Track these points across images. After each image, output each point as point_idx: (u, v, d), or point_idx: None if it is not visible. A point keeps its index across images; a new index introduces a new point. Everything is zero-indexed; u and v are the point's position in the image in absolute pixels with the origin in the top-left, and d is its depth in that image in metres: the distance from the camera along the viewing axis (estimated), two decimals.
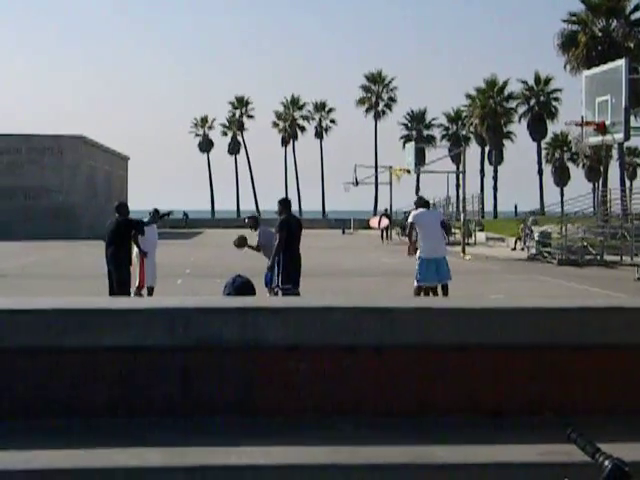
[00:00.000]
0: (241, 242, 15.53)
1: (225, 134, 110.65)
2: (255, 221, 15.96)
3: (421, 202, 15.77)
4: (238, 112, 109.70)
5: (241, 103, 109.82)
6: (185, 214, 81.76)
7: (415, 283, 14.89)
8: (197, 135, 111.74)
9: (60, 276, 24.57)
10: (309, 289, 15.00)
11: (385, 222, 53.29)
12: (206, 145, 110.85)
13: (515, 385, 4.06)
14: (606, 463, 2.24)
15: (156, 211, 16.64)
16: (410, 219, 15.37)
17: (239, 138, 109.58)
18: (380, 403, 4.04)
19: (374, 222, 59.04)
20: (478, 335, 4.06)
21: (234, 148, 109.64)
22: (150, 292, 16.51)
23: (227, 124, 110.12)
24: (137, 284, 16.15)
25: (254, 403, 3.98)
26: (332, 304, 4.23)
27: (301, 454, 3.48)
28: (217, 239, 50.80)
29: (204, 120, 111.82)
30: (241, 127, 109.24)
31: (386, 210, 58.72)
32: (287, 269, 14.41)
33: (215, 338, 3.95)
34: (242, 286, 5.09)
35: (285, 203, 15.06)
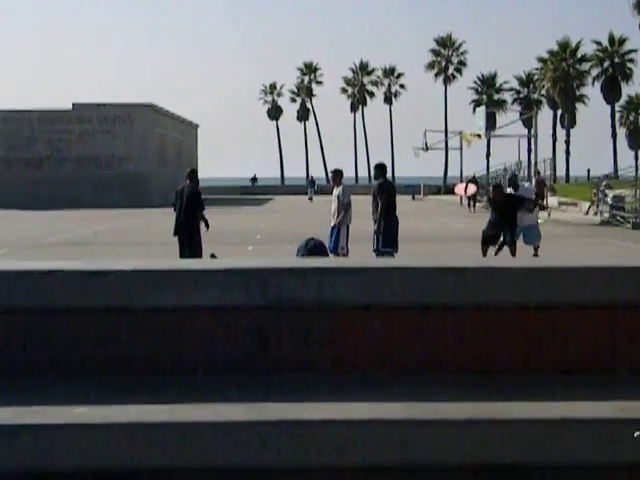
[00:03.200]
0: None
1: (294, 101, 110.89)
2: (340, 176, 15.84)
3: (514, 180, 18.49)
4: (307, 78, 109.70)
5: (310, 69, 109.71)
6: (254, 178, 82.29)
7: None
8: (266, 102, 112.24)
9: (134, 243, 25.08)
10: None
11: (472, 189, 47.86)
12: (275, 112, 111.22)
13: (585, 343, 4.09)
14: None
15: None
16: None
17: (308, 105, 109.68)
18: (454, 361, 4.11)
19: (460, 189, 53.14)
20: (547, 294, 4.10)
21: (303, 115, 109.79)
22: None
23: (296, 90, 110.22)
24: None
25: (333, 361, 4.09)
26: (406, 264, 4.30)
27: (375, 409, 3.58)
28: (287, 205, 51.11)
29: (273, 87, 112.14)
30: (310, 93, 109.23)
31: (474, 176, 54.89)
32: (388, 232, 14.53)
33: (292, 298, 4.06)
34: (315, 248, 5.20)
35: (382, 168, 15.22)
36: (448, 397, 3.74)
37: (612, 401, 3.58)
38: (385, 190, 14.60)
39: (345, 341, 4.09)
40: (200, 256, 14.93)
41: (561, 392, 3.82)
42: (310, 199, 57.57)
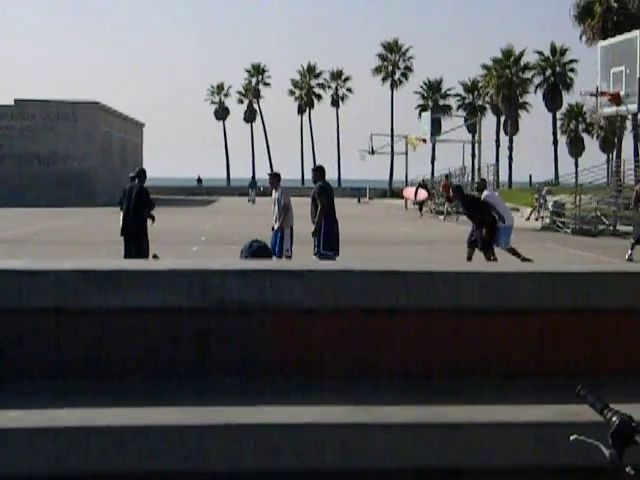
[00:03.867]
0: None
1: (241, 102, 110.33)
2: (278, 179, 15.80)
3: (483, 184, 18.73)
4: (254, 80, 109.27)
5: (257, 71, 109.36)
6: (199, 179, 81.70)
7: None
8: (213, 102, 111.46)
9: (75, 242, 24.73)
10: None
11: (423, 194, 46.69)
12: (222, 113, 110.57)
13: (528, 348, 4.14)
14: (614, 419, 2.31)
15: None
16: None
17: (255, 106, 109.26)
18: (396, 365, 4.12)
19: (409, 192, 51.88)
20: (492, 299, 4.14)
21: (250, 116, 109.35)
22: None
23: (243, 92, 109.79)
24: None
25: (271, 364, 4.07)
26: (350, 267, 4.29)
27: (316, 413, 3.57)
28: (232, 206, 50.91)
29: (220, 87, 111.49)
30: (257, 95, 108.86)
31: (424, 180, 53.02)
32: (329, 235, 14.48)
33: (234, 300, 4.03)
34: (258, 250, 5.18)
35: (321, 170, 15.20)
36: (391, 401, 3.74)
37: (550, 405, 3.62)
38: (325, 193, 14.60)
39: (287, 344, 4.07)
40: (146, 256, 14.77)
41: (502, 396, 3.85)
42: (252, 201, 56.87)
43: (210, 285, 4.03)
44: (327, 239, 14.53)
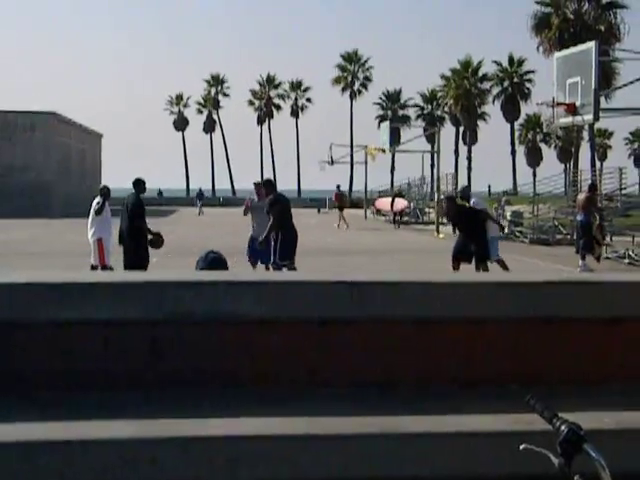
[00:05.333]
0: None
1: (200, 112, 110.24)
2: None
3: (468, 191, 17.62)
4: (214, 90, 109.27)
5: (217, 81, 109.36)
6: (159, 192, 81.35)
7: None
8: (172, 113, 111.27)
9: (31, 254, 24.44)
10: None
11: (402, 204, 45.49)
12: (181, 123, 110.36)
13: (482, 357, 4.16)
14: (563, 428, 2.34)
15: (105, 187, 16.81)
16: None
17: (214, 116, 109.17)
18: (352, 375, 4.12)
19: (383, 204, 50.05)
20: (444, 308, 4.15)
21: (209, 126, 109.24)
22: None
23: (202, 102, 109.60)
24: (97, 263, 16.38)
25: (225, 376, 4.04)
26: (304, 278, 4.29)
27: (265, 425, 3.55)
28: (192, 217, 50.70)
29: (179, 98, 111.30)
30: (216, 105, 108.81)
31: (400, 190, 51.97)
32: (283, 246, 14.51)
33: (188, 312, 4.00)
34: (214, 261, 5.14)
35: (270, 183, 15.25)
36: (345, 411, 3.73)
37: (504, 414, 3.64)
38: (275, 204, 14.66)
39: (241, 355, 4.05)
40: (141, 266, 14.51)
41: (457, 405, 3.87)
42: (200, 213, 56.00)
43: (164, 297, 4.00)
44: (283, 249, 14.57)
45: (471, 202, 16.55)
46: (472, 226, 15.89)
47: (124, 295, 4.01)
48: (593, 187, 23.00)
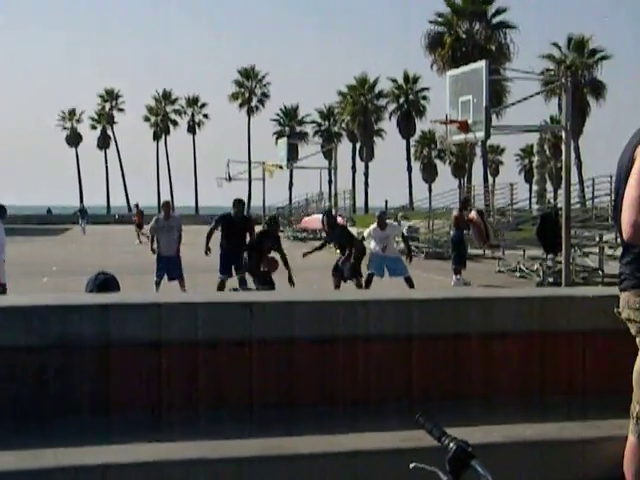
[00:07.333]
0: None
1: (94, 128, 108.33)
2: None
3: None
4: (108, 105, 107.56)
5: (111, 96, 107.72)
6: (48, 210, 79.47)
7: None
8: (65, 128, 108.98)
9: None
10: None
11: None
12: (74, 139, 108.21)
13: (372, 376, 4.18)
14: (451, 445, 2.36)
15: (2, 207, 16.38)
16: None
17: (109, 132, 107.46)
18: (242, 396, 4.08)
19: (313, 223, 45.42)
20: (337, 327, 4.16)
21: (104, 142, 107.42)
22: (4, 290, 16.06)
23: (96, 117, 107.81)
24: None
25: (114, 401, 3.95)
26: (193, 300, 4.24)
27: (162, 450, 3.49)
28: (86, 236, 49.67)
29: (72, 113, 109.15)
30: (111, 121, 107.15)
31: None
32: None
33: (74, 336, 3.89)
34: (104, 283, 5.02)
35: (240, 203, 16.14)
36: (237, 434, 3.69)
37: (395, 432, 3.66)
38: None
39: (131, 379, 3.96)
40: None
41: (350, 424, 3.87)
42: (82, 230, 53.89)
43: (50, 321, 3.88)
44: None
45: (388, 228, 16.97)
46: (343, 243, 16.38)
47: (9, 320, 3.88)
48: (464, 202, 23.54)
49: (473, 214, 22.27)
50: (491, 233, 22.93)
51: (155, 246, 16.86)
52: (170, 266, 16.65)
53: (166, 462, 3.41)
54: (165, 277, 16.53)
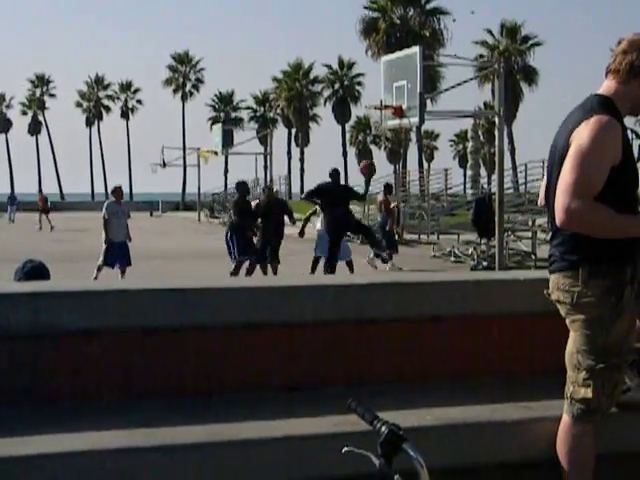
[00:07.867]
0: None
1: (25, 113, 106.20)
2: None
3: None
4: (39, 91, 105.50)
5: (42, 81, 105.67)
6: None
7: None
8: None
9: None
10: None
11: None
12: (4, 125, 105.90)
13: (306, 359, 4.18)
14: (383, 429, 2.38)
15: None
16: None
17: (40, 118, 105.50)
18: (179, 384, 4.04)
19: None
20: (269, 313, 4.15)
21: (35, 128, 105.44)
22: None
23: (27, 103, 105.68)
24: None
25: (46, 391, 3.88)
26: (126, 286, 4.18)
27: (93, 439, 3.44)
28: (17, 223, 48.71)
29: (1, 98, 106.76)
30: (42, 106, 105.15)
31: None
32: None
33: (3, 327, 3.80)
34: (32, 271, 4.93)
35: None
36: (172, 422, 3.66)
37: (329, 416, 3.66)
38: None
39: (63, 369, 3.89)
40: None
41: (283, 409, 3.87)
42: (11, 220, 52.30)
43: None
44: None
45: None
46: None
47: None
48: (387, 188, 23.67)
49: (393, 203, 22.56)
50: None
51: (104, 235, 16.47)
52: (120, 252, 16.41)
53: (97, 451, 3.36)
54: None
